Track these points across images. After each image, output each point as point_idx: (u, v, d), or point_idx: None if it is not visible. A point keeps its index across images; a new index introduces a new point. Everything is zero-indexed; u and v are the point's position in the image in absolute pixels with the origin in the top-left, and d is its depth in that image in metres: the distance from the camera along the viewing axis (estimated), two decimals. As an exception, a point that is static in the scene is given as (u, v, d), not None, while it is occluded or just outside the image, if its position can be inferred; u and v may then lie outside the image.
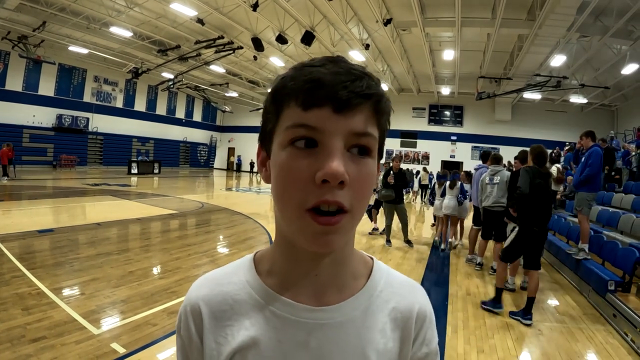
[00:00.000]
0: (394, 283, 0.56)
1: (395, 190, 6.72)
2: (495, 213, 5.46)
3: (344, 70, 0.44)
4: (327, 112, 0.42)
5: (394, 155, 24.64)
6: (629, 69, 13.98)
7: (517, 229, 4.25)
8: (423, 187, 17.21)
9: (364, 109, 0.44)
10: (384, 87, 18.10)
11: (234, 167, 32.14)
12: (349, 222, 0.44)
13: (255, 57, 17.60)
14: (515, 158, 5.49)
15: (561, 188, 8.28)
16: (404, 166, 14.70)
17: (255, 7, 11.76)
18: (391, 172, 6.76)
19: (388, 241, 7.06)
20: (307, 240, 0.44)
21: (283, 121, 0.45)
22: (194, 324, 0.53)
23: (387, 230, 7.08)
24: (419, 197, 17.72)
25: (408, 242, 7.10)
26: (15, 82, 18.60)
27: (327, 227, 0.43)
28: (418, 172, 18.50)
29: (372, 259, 0.59)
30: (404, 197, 7.12)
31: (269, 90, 0.49)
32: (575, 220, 6.42)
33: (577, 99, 20.09)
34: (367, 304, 0.52)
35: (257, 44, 14.85)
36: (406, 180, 6.88)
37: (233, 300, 0.52)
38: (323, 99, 0.42)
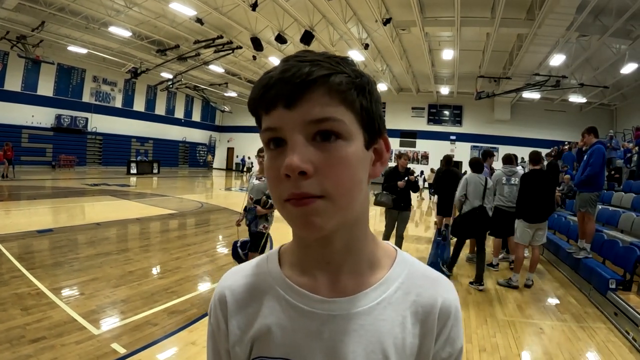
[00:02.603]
0: (417, 274, 0.54)
1: (401, 195, 5.59)
2: (510, 213, 5.31)
3: (291, 65, 0.44)
4: (281, 110, 0.44)
5: (398, 153, 24.60)
6: (628, 69, 13.96)
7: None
8: (430, 186, 17.46)
9: (313, 95, 0.44)
10: (383, 86, 18.11)
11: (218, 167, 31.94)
12: (329, 206, 0.44)
13: (254, 57, 17.57)
14: (529, 159, 5.46)
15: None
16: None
17: (254, 6, 11.74)
18: (406, 174, 5.64)
19: None
20: (294, 225, 0.47)
21: (261, 127, 0.48)
22: (221, 311, 0.56)
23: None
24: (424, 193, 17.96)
25: None
26: (14, 82, 18.55)
27: (302, 208, 0.44)
28: (422, 172, 18.61)
29: (396, 249, 0.57)
30: (411, 203, 5.86)
31: None
32: (575, 219, 6.42)
33: (576, 99, 20.12)
34: (386, 296, 0.51)
35: (256, 44, 14.83)
36: (416, 183, 5.81)
37: (255, 290, 0.55)
38: (274, 99, 0.44)
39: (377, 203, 5.73)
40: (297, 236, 0.53)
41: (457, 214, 5.55)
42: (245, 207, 4.01)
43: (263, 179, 3.86)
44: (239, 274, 0.58)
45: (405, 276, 0.53)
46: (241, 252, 4.15)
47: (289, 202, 0.44)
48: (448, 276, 5.53)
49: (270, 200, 3.71)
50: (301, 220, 0.45)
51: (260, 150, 3.78)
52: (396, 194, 5.55)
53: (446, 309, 0.52)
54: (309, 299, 0.51)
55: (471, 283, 4.97)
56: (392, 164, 5.89)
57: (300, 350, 0.49)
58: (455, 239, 5.64)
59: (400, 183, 5.48)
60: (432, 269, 0.57)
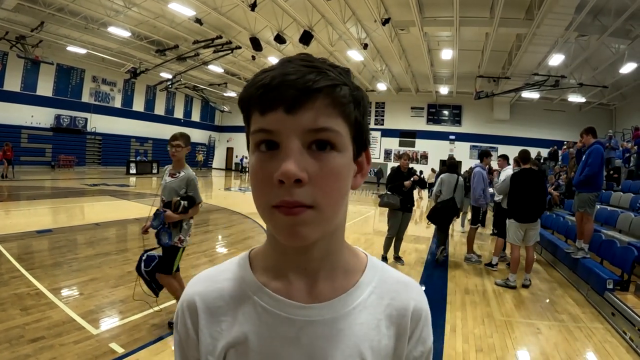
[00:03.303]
0: (389, 280, 0.56)
1: (406, 196, 5.58)
2: None
3: (295, 69, 0.43)
4: (280, 114, 0.43)
5: (399, 153, 24.85)
6: (627, 68, 13.98)
7: None
8: (430, 185, 17.61)
9: (316, 104, 0.43)
10: (382, 86, 18.08)
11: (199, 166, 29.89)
12: (317, 217, 0.44)
13: (253, 57, 17.58)
14: (519, 157, 5.44)
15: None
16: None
17: (253, 6, 11.75)
18: (410, 174, 5.68)
19: (398, 257, 5.95)
20: (280, 233, 0.46)
21: (251, 127, 0.47)
22: (190, 319, 0.54)
23: (388, 243, 5.75)
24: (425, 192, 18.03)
25: (398, 258, 5.94)
26: (13, 83, 18.54)
27: (292, 217, 0.43)
28: (421, 172, 18.68)
29: (366, 255, 0.59)
30: (414, 203, 5.89)
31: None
32: (573, 219, 6.44)
33: (575, 98, 20.12)
34: (361, 300, 0.52)
35: (256, 44, 14.84)
36: (424, 180, 5.89)
37: (228, 296, 0.53)
38: (274, 101, 0.43)
39: (383, 204, 5.63)
40: (273, 241, 0.52)
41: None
42: (157, 210, 3.14)
43: (178, 174, 3.13)
44: (209, 280, 0.55)
45: (378, 281, 0.55)
46: (144, 269, 3.25)
47: (278, 210, 0.44)
48: (444, 260, 5.81)
49: (184, 202, 3.01)
50: (289, 230, 0.44)
51: (172, 139, 3.08)
52: (402, 195, 5.52)
53: (418, 311, 0.55)
54: (285, 304, 0.50)
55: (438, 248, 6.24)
56: (393, 164, 5.95)
57: (279, 357, 0.49)
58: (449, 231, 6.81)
59: (407, 183, 5.50)
60: (402, 273, 0.59)
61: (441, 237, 6.32)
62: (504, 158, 6.50)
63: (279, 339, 0.49)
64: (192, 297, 0.54)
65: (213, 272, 0.57)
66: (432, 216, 6.22)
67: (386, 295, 0.54)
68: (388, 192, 5.59)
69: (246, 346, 0.50)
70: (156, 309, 3.43)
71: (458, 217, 6.79)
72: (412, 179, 5.60)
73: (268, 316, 0.50)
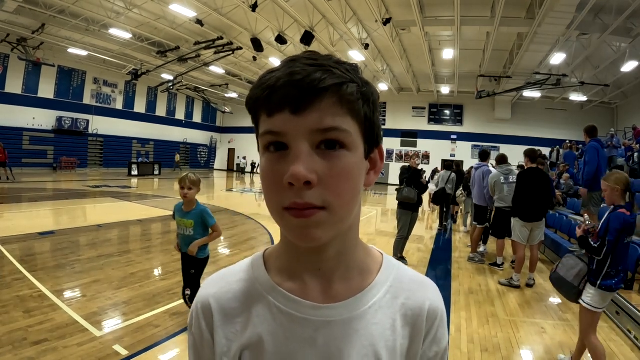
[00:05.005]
0: (404, 279, 0.56)
1: (420, 191, 5.57)
2: (510, 214, 5.32)
3: (300, 68, 0.43)
4: (287, 115, 0.43)
5: (401, 153, 24.82)
6: (628, 67, 13.95)
7: None
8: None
9: (323, 103, 0.43)
10: (383, 86, 18.03)
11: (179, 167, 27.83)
12: (329, 218, 0.44)
13: (254, 58, 17.60)
14: (525, 156, 5.41)
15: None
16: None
17: (254, 7, 11.76)
18: (421, 172, 5.73)
19: (402, 257, 5.80)
20: (292, 235, 0.46)
21: (259, 129, 0.46)
22: (205, 320, 0.54)
23: (400, 244, 5.66)
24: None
25: (402, 258, 5.80)
26: (14, 85, 18.58)
27: (303, 219, 0.43)
28: (423, 171, 18.70)
29: (382, 254, 0.58)
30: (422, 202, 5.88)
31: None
32: (576, 217, 6.42)
33: (577, 97, 20.08)
34: (376, 300, 0.52)
35: (257, 45, 14.84)
36: (425, 186, 5.88)
37: (243, 297, 0.53)
38: (280, 103, 0.43)
39: (403, 198, 5.49)
40: (287, 242, 0.52)
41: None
42: None
43: None
44: (224, 281, 0.56)
45: (393, 280, 0.55)
46: None
47: (289, 212, 0.44)
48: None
49: None
50: (301, 231, 0.44)
51: None
52: (420, 189, 5.46)
53: (433, 311, 0.55)
54: (301, 305, 0.50)
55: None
56: (394, 164, 5.97)
57: (295, 358, 0.49)
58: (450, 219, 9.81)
59: (424, 177, 5.76)
60: (417, 272, 0.59)
61: (443, 214, 9.31)
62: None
63: (295, 340, 0.49)
64: (206, 299, 0.54)
65: (227, 272, 0.57)
66: (433, 200, 9.03)
67: (401, 294, 0.54)
68: (405, 187, 5.49)
69: (261, 347, 0.50)
70: None
71: (451, 202, 9.33)
72: (428, 176, 5.93)
73: (283, 317, 0.50)
